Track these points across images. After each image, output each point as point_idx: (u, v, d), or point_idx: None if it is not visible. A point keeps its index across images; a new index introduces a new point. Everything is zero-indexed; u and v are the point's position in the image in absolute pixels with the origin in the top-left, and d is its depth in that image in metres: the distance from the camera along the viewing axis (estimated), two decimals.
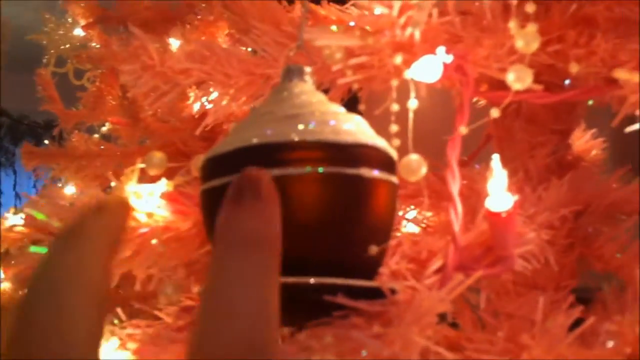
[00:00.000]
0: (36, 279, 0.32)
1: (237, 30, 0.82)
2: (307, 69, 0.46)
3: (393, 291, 0.41)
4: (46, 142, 1.63)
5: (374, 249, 0.42)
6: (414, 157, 0.45)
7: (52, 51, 1.56)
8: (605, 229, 0.63)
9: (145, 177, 0.55)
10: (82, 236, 0.33)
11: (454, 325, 0.57)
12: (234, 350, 0.30)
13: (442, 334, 0.46)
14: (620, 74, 0.47)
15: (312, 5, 0.73)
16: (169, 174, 0.52)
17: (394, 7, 0.45)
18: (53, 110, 1.52)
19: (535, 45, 0.46)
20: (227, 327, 0.31)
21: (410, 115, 0.46)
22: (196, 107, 0.88)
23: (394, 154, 0.44)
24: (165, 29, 1.40)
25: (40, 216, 0.49)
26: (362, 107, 0.55)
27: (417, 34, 0.46)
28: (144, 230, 0.51)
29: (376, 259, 0.43)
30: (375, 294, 0.41)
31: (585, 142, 0.82)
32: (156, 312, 0.54)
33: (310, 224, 0.41)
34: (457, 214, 0.46)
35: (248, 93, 0.64)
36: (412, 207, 0.62)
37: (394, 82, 0.47)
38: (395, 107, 0.48)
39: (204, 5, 1.35)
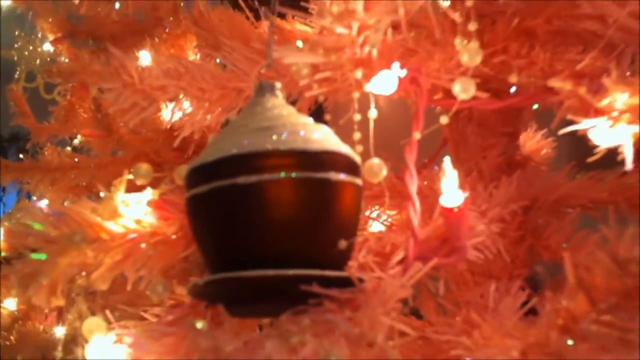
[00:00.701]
0: None
1: (207, 45, 0.88)
2: (277, 84, 0.52)
3: (361, 280, 0.47)
4: (21, 155, 1.65)
5: (343, 243, 0.47)
6: (375, 161, 0.51)
7: (22, 67, 1.59)
8: (553, 221, 0.69)
9: (132, 187, 0.59)
10: None
11: (419, 315, 0.62)
12: None
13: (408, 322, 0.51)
14: (555, 83, 0.53)
15: (278, 20, 0.78)
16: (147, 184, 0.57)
17: (353, 28, 0.50)
18: (25, 125, 1.55)
19: (478, 59, 0.52)
20: None
21: (371, 123, 0.51)
22: (168, 118, 0.93)
23: (357, 158, 0.50)
24: (134, 42, 1.43)
25: (37, 226, 0.53)
26: (327, 117, 0.61)
27: (375, 51, 0.51)
28: (132, 235, 0.56)
29: (345, 253, 0.48)
30: (346, 283, 0.46)
31: (536, 142, 0.89)
32: (143, 313, 0.59)
33: (285, 223, 0.46)
34: (415, 211, 0.52)
35: (221, 105, 0.69)
36: (377, 207, 0.68)
37: (356, 95, 0.52)
38: (357, 116, 0.54)
39: (171, 19, 1.39)
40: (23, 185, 1.66)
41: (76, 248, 0.52)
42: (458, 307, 0.59)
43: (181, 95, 0.66)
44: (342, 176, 0.47)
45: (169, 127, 1.07)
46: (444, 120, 0.52)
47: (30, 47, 1.61)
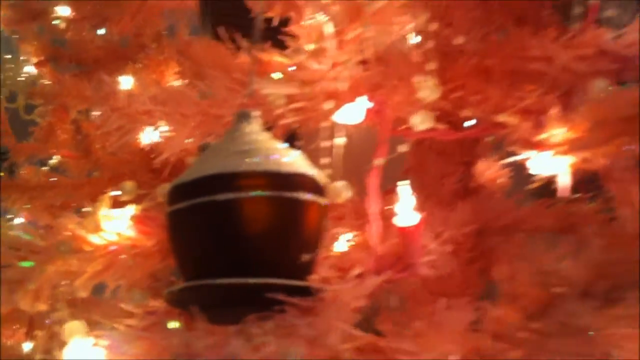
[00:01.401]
0: None
1: (190, 74, 0.93)
2: (255, 113, 0.57)
3: (321, 290, 0.52)
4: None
5: (306, 256, 0.53)
6: (339, 183, 0.56)
7: (3, 88, 1.63)
8: (502, 244, 0.75)
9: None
10: None
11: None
12: None
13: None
14: (502, 118, 0.59)
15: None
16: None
17: (326, 64, 0.56)
18: (5, 144, 1.58)
19: (435, 95, 0.58)
20: None
21: (338, 150, 0.57)
22: (146, 141, 0.98)
23: (324, 181, 0.55)
24: (116, 67, 1.48)
25: (27, 236, 0.58)
26: (300, 143, 0.66)
27: (345, 85, 0.57)
28: (113, 247, 0.61)
29: (309, 265, 0.54)
30: (307, 292, 0.51)
31: (494, 171, 0.96)
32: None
33: (257, 236, 0.51)
34: (374, 230, 0.57)
35: (201, 130, 0.74)
36: (343, 228, 0.73)
37: (326, 124, 0.58)
38: (326, 143, 0.59)
39: (154, 45, 1.44)
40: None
41: (61, 257, 0.57)
42: (410, 320, 0.64)
43: (163, 121, 0.71)
44: (309, 196, 0.53)
45: (146, 149, 1.11)
46: (403, 148, 0.58)
47: (13, 69, 1.65)
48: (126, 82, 1.38)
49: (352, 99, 0.58)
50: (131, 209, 0.62)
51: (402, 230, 0.56)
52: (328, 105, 0.58)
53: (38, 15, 1.50)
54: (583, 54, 0.64)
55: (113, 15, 1.44)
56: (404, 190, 0.55)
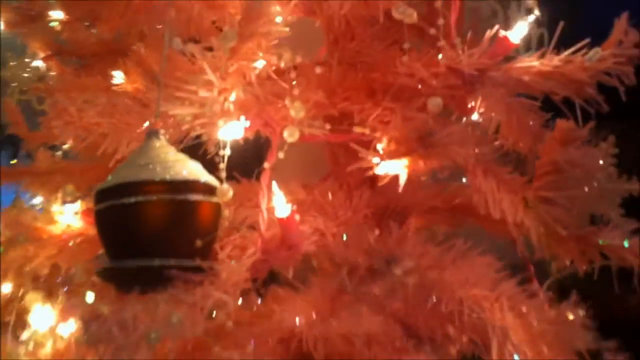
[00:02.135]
0: None
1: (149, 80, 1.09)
2: (161, 131, 0.73)
3: (210, 268, 0.68)
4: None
5: (199, 242, 0.69)
6: (224, 186, 0.72)
7: (14, 84, 1.81)
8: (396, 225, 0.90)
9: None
10: None
11: None
12: None
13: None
14: (357, 129, 0.74)
15: None
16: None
17: (215, 90, 0.72)
18: (18, 134, 1.76)
19: (302, 114, 0.73)
20: None
21: (225, 158, 0.72)
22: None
23: (215, 184, 0.71)
24: (110, 60, 1.64)
25: None
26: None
27: (232, 107, 0.73)
28: (65, 236, 0.78)
29: (204, 250, 0.70)
30: (199, 270, 0.68)
31: None
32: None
33: (157, 229, 0.68)
34: (263, 219, 0.73)
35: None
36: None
37: (218, 137, 0.74)
38: (225, 152, 0.75)
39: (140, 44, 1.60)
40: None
41: (20, 245, 0.74)
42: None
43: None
44: (199, 197, 0.69)
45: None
46: (280, 154, 0.74)
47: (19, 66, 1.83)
48: (118, 76, 1.54)
49: (238, 117, 0.73)
50: (78, 205, 0.79)
51: (280, 220, 0.72)
52: (220, 123, 0.73)
53: (36, 18, 1.66)
54: (436, 71, 0.78)
55: (103, 15, 1.60)
56: (276, 188, 0.71)
